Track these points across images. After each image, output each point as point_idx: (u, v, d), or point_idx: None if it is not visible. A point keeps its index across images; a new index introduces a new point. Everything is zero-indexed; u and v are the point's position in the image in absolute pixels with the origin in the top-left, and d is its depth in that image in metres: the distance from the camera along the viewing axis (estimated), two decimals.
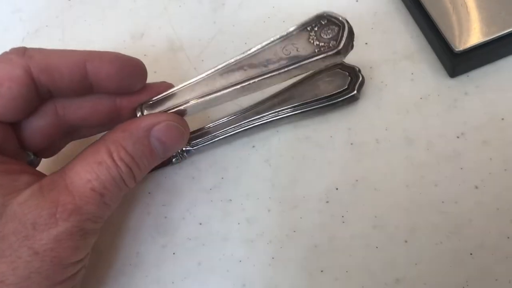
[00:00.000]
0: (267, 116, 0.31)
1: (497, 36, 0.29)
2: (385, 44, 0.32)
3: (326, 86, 0.31)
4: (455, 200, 0.27)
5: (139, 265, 0.29)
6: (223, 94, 0.25)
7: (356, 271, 0.27)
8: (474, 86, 0.30)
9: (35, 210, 0.21)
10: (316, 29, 0.24)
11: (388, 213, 0.28)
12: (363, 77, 0.30)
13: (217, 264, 0.28)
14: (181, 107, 0.26)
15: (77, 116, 0.26)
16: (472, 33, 0.29)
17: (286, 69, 0.24)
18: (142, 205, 0.30)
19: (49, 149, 0.28)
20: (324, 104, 0.30)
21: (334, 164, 0.29)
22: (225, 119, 0.31)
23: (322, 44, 0.23)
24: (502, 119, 0.29)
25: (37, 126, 0.26)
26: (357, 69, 0.31)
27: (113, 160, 0.23)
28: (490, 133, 0.28)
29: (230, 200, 0.30)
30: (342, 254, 0.27)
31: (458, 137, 0.29)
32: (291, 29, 0.24)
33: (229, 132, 0.31)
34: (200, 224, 0.29)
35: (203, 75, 0.25)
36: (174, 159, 0.30)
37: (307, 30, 0.24)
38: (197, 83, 0.25)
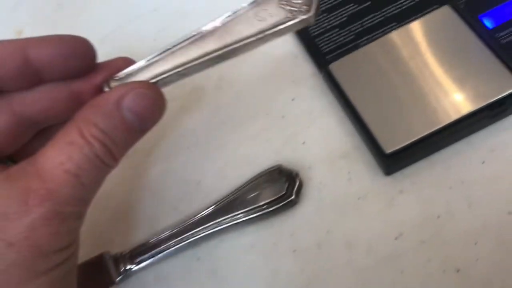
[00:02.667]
0: (210, 227, 0.31)
1: (425, 135, 0.30)
2: (322, 143, 0.33)
3: (266, 192, 0.31)
4: None
5: None
6: (199, 63, 0.24)
7: None
8: (410, 183, 0.30)
9: (4, 200, 0.21)
10: None
11: None
12: (300, 181, 0.31)
13: None
14: (154, 80, 0.24)
15: (36, 109, 0.24)
16: (402, 134, 0.30)
17: (261, 35, 0.24)
18: None
19: (22, 152, 0.26)
20: (264, 212, 0.30)
21: (279, 273, 0.29)
22: (167, 233, 0.31)
23: (294, 8, 0.24)
24: (438, 217, 0.29)
25: None
26: (295, 173, 0.31)
27: (85, 138, 0.22)
28: (427, 232, 0.29)
29: None
30: None
31: (396, 238, 0.29)
32: None
33: (173, 246, 0.31)
34: None
35: (174, 45, 0.24)
36: (117, 279, 0.30)
37: None
38: (170, 54, 0.24)
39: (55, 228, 0.21)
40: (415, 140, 0.30)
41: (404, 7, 0.36)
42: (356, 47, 0.35)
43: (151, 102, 0.24)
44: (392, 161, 0.30)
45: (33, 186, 0.21)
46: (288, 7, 0.24)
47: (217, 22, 0.24)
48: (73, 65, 0.24)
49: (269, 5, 0.24)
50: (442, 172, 0.30)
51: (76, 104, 0.24)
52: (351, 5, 0.37)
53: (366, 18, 0.36)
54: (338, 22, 0.37)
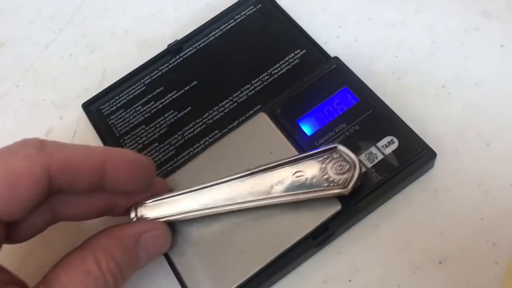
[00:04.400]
0: None
1: (242, 282, 0.26)
2: None
3: None
4: None
5: None
6: (224, 210, 0.25)
7: None
8: None
9: None
10: (328, 161, 0.24)
11: None
12: None
13: None
14: (179, 216, 0.25)
15: (72, 212, 0.24)
16: (217, 285, 0.26)
17: (293, 197, 0.24)
18: None
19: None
20: None
21: None
22: None
23: (332, 179, 0.24)
24: None
25: (32, 224, 0.23)
26: None
27: (102, 271, 0.21)
28: None
29: None
30: None
31: None
32: (304, 155, 0.25)
33: None
34: None
35: (206, 185, 0.25)
36: None
37: (319, 161, 0.25)
38: (200, 193, 0.25)
39: None
40: None
41: (225, 112, 0.32)
42: (174, 169, 0.30)
43: (164, 244, 0.25)
44: None
45: None
46: (327, 176, 0.24)
47: (255, 171, 0.25)
48: (137, 186, 0.25)
49: (310, 169, 0.24)
50: None
51: (106, 214, 0.25)
52: (171, 112, 0.33)
53: (187, 128, 0.32)
54: (157, 135, 0.33)
